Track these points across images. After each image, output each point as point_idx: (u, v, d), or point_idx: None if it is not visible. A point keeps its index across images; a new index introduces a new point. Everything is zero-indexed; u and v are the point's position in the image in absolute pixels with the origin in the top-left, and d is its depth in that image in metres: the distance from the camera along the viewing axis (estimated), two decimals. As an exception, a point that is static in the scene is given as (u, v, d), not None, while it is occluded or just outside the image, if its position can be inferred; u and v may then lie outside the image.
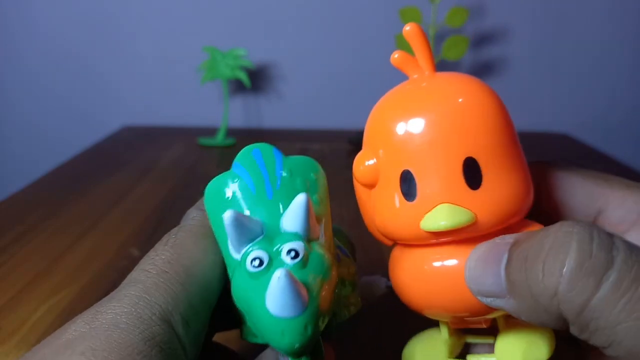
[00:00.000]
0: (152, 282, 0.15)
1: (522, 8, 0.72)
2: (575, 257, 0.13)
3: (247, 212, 0.17)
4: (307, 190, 0.17)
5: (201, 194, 0.20)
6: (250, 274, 0.15)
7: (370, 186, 0.19)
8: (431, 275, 0.17)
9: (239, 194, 0.17)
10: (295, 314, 0.14)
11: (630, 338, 0.13)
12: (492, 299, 0.15)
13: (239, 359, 0.22)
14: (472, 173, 0.16)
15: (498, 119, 0.17)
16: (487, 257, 0.15)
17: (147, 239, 0.41)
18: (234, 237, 0.16)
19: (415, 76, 0.18)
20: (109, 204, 0.49)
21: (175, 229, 0.18)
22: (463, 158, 0.16)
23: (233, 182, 0.17)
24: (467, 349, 0.20)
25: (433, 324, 0.20)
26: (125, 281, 0.16)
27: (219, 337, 0.22)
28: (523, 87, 0.76)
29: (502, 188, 0.16)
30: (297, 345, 0.14)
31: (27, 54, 0.77)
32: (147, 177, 0.57)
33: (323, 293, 0.15)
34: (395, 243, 0.19)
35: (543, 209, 0.21)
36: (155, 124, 0.79)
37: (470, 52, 0.73)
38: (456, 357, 0.20)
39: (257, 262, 0.15)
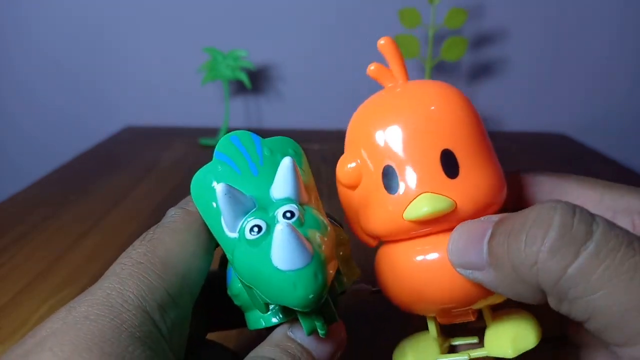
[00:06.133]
0: (127, 273, 0.16)
1: (521, 9, 0.72)
2: (557, 228, 0.13)
3: None
4: None
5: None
6: (251, 242, 0.15)
7: (353, 187, 0.20)
8: (416, 268, 0.18)
9: (225, 178, 0.17)
10: (303, 264, 0.14)
11: (607, 307, 0.13)
12: (471, 271, 0.16)
13: (237, 358, 0.22)
14: (449, 164, 0.17)
15: (469, 116, 0.18)
16: (471, 231, 0.16)
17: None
18: (229, 211, 0.16)
19: (390, 85, 0.20)
20: (109, 204, 0.49)
21: (154, 226, 0.18)
22: (440, 150, 0.17)
23: (218, 169, 0.18)
24: (453, 351, 0.21)
25: (422, 326, 0.20)
26: (103, 276, 0.16)
27: (217, 337, 0.23)
28: (522, 87, 0.76)
29: (478, 177, 0.18)
30: (311, 296, 0.14)
31: (28, 53, 0.77)
32: (148, 178, 0.57)
33: (324, 245, 0.15)
34: (379, 244, 0.20)
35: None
36: (156, 125, 0.80)
37: (469, 53, 0.73)
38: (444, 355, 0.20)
39: (256, 230, 0.15)
